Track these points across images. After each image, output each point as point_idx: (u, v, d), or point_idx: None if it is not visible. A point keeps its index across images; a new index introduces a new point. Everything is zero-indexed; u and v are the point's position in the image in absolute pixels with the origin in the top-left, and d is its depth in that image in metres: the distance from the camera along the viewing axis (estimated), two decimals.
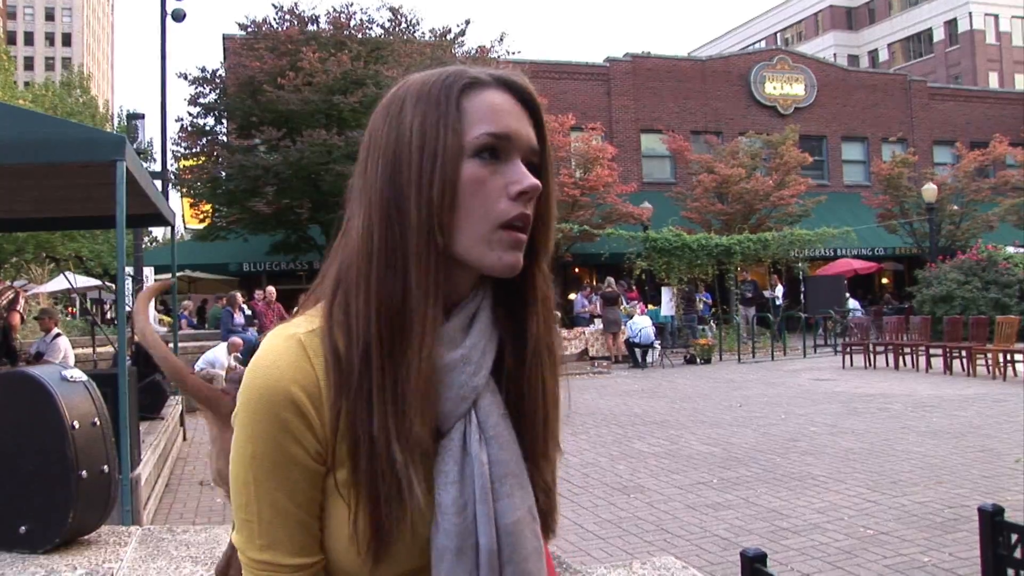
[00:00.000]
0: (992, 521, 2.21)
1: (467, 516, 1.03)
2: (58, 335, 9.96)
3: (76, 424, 3.38)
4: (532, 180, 1.03)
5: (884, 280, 33.91)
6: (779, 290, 24.95)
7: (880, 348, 17.72)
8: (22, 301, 9.01)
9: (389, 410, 1.00)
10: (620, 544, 5.95)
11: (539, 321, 1.11)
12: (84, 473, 3.28)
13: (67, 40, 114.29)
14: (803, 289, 25.18)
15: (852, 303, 24.90)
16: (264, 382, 1.01)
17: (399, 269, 1.02)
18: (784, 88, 33.59)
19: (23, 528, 3.31)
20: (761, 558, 1.83)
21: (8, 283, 9.05)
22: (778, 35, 69.40)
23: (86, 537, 3.55)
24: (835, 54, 59.87)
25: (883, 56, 63.21)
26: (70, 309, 24.51)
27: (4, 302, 8.80)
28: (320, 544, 1.05)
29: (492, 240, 1.03)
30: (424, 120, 1.03)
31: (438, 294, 1.02)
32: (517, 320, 1.12)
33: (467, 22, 24.15)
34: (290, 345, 1.03)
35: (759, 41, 67.62)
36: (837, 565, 5.26)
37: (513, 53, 25.32)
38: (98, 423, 3.52)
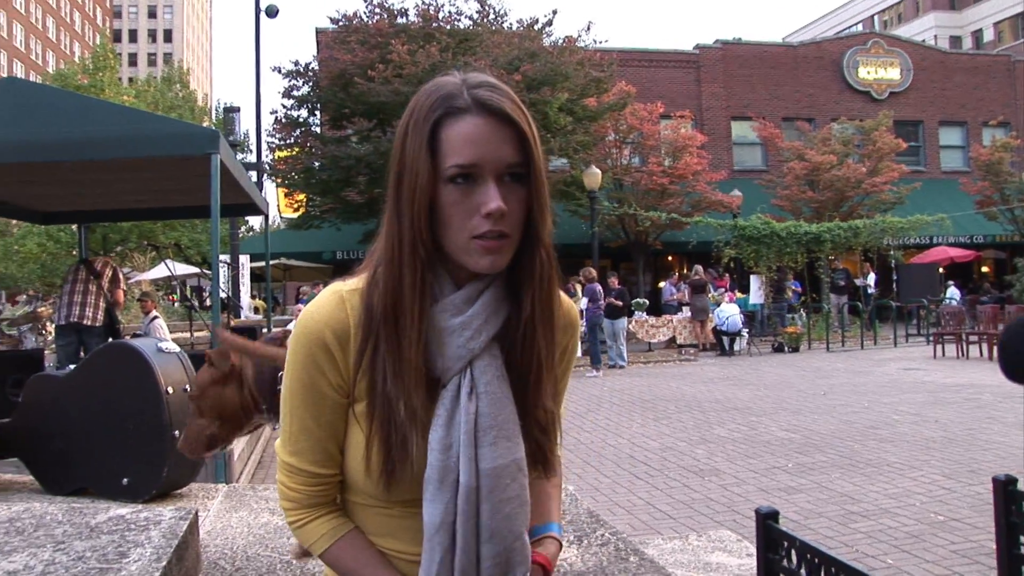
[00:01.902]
0: (1006, 491, 2.33)
1: (451, 456, 1.28)
2: (155, 317, 10.48)
3: (170, 389, 3.78)
4: (496, 203, 1.22)
5: (984, 269, 32.93)
6: (871, 278, 24.47)
7: (973, 338, 17.34)
8: (122, 281, 9.52)
9: (393, 374, 1.27)
10: (689, 524, 6.06)
11: (533, 298, 1.32)
12: (177, 433, 3.63)
13: (168, 36, 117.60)
14: (896, 277, 24.69)
15: (952, 292, 24.28)
16: (305, 324, 1.31)
17: (396, 269, 1.27)
18: (879, 72, 32.85)
19: (125, 480, 3.76)
20: (773, 515, 1.99)
21: (106, 262, 9.53)
22: (875, 17, 67.69)
23: (179, 491, 3.95)
24: (936, 35, 58.21)
25: (988, 36, 60.97)
26: (170, 296, 25.42)
27: (106, 281, 9.28)
28: (336, 462, 1.35)
29: (469, 249, 1.25)
30: (414, 148, 1.26)
31: (424, 293, 1.28)
32: (517, 299, 1.33)
33: (554, 12, 24.17)
34: (332, 298, 1.33)
35: (855, 24, 65.94)
36: (903, 548, 5.30)
37: (600, 42, 25.32)
38: (189, 389, 3.89)
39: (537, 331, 1.33)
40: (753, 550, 4.02)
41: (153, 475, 3.69)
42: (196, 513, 2.57)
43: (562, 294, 1.41)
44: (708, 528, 5.86)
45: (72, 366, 4.54)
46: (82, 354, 9.27)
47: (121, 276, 9.45)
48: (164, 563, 2.16)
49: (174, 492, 3.90)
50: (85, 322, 8.98)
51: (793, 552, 1.90)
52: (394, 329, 1.27)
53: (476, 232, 1.24)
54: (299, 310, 14.69)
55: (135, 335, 10.60)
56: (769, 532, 2.04)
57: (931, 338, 18.91)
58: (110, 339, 9.29)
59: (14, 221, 29.34)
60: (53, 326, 10.27)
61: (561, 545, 1.51)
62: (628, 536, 4.04)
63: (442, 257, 1.29)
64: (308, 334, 1.30)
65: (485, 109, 1.25)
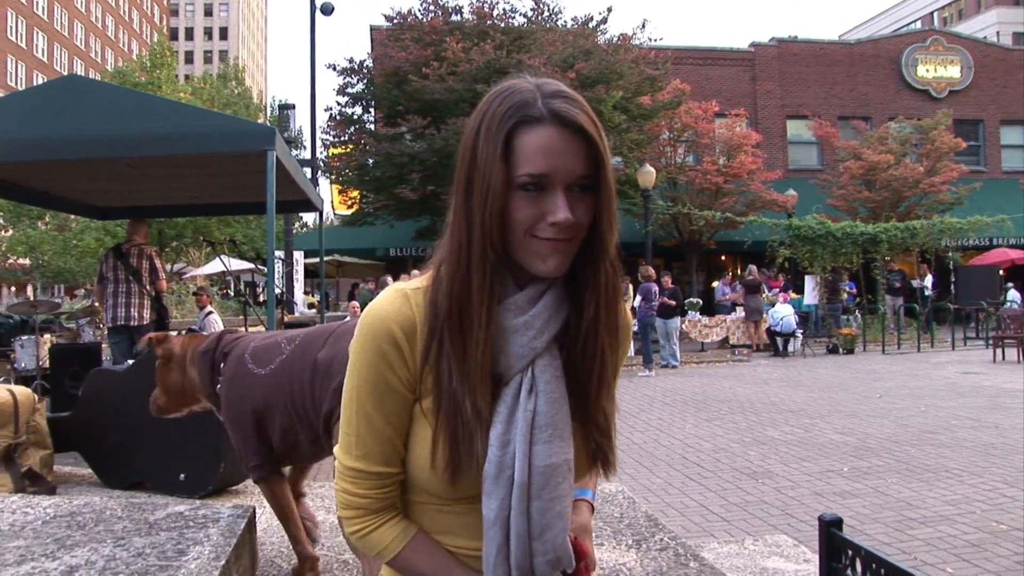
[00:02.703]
0: None
1: (508, 452, 1.30)
2: (210, 312, 10.58)
3: None
4: (564, 214, 1.24)
5: None
6: (928, 280, 24.05)
7: None
8: (159, 264, 9.54)
9: (460, 374, 1.29)
10: (744, 527, 5.98)
11: (597, 305, 1.34)
12: None
13: (224, 34, 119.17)
14: (954, 279, 24.23)
15: (1013, 294, 23.79)
16: (372, 320, 1.33)
17: (464, 270, 1.29)
18: (938, 70, 32.25)
19: (182, 476, 3.79)
20: (837, 523, 1.94)
21: (140, 250, 9.48)
22: (935, 14, 66.49)
23: (234, 488, 3.97)
24: (998, 32, 56.99)
25: None
26: (225, 291, 25.73)
27: (146, 273, 9.32)
28: (402, 460, 1.36)
29: (535, 251, 1.28)
30: (487, 154, 1.27)
31: (492, 294, 1.29)
32: (577, 303, 1.35)
33: (609, 10, 24.07)
34: (397, 296, 1.35)
35: (914, 21, 64.86)
36: (963, 557, 5.18)
37: (655, 40, 25.13)
38: None
39: (601, 337, 1.36)
40: (811, 555, 3.96)
41: (209, 471, 3.72)
42: (254, 510, 2.58)
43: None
44: (763, 532, 5.80)
45: (130, 361, 4.58)
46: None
47: (159, 263, 9.50)
48: (223, 562, 2.17)
49: (230, 488, 3.93)
50: (132, 323, 9.10)
51: (858, 561, 1.86)
52: (459, 328, 1.29)
53: (540, 234, 1.27)
54: (354, 307, 14.81)
55: (190, 330, 10.73)
56: (832, 540, 2.00)
57: (990, 342, 18.54)
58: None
59: (73, 216, 29.89)
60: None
61: (593, 509, 1.61)
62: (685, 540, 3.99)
63: (506, 259, 1.30)
64: (375, 329, 1.32)
65: (560, 121, 1.27)
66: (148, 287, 9.25)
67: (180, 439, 3.80)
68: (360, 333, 1.34)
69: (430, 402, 1.32)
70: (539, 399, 1.31)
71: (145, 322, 9.19)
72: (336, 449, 1.39)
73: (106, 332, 9.64)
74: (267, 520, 3.49)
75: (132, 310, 9.13)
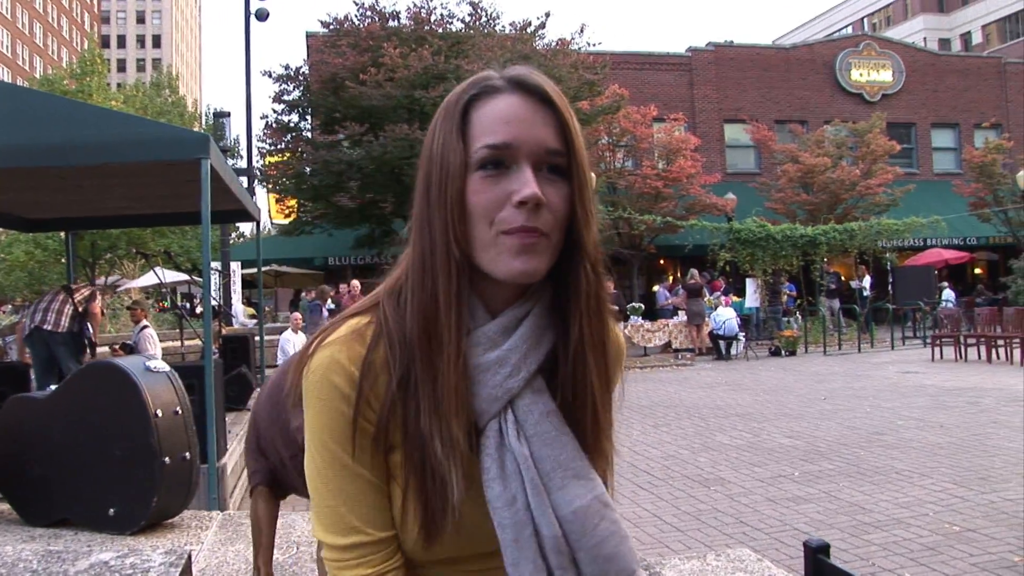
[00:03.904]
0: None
1: (518, 509, 1.07)
2: (145, 326, 10.26)
3: (159, 412, 3.52)
4: (531, 190, 1.02)
5: (977, 270, 32.89)
6: (866, 281, 24.40)
7: (971, 340, 17.21)
8: (99, 298, 9.33)
9: (430, 406, 1.06)
10: (699, 537, 5.90)
11: (581, 322, 1.12)
12: (167, 460, 3.41)
13: (157, 42, 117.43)
14: (891, 280, 24.60)
15: (948, 294, 24.22)
16: (320, 364, 1.08)
17: (429, 279, 1.07)
18: (871, 75, 32.82)
19: (112, 511, 3.50)
20: (824, 549, 1.81)
21: (87, 283, 9.39)
22: (864, 20, 67.74)
23: (170, 520, 3.71)
24: (925, 38, 58.28)
25: (976, 38, 61.11)
26: (161, 304, 25.19)
27: (79, 295, 9.09)
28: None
29: (498, 247, 1.05)
30: (444, 134, 1.07)
31: (461, 303, 1.07)
32: (566, 322, 1.13)
33: (547, 15, 24.02)
34: (345, 331, 1.10)
35: (845, 27, 66.07)
36: (921, 562, 5.13)
37: (594, 45, 25.19)
38: (180, 412, 3.65)
39: (588, 362, 1.12)
40: (775, 570, 3.85)
41: (142, 505, 3.44)
42: (189, 557, 2.36)
43: (615, 328, 1.21)
44: (719, 542, 5.71)
45: (52, 387, 4.27)
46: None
47: (99, 297, 9.26)
48: None
49: (165, 522, 3.65)
50: (46, 327, 8.75)
51: None
52: (427, 348, 1.06)
53: (505, 227, 1.03)
54: (296, 318, 14.47)
55: (124, 344, 10.39)
56: (821, 569, 1.86)
57: (928, 341, 18.81)
58: (79, 349, 9.09)
59: (1, 229, 29.06)
60: None
61: None
62: (644, 558, 3.86)
63: (474, 278, 1.08)
64: (326, 370, 1.08)
65: (522, 87, 1.08)
66: (76, 303, 8.95)
67: (109, 471, 3.51)
68: (311, 382, 1.09)
69: (398, 455, 1.10)
70: (532, 443, 1.09)
71: (60, 329, 8.86)
72: (318, 532, 1.13)
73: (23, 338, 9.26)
74: (205, 559, 3.26)
75: (49, 315, 8.81)
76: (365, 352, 1.08)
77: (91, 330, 9.26)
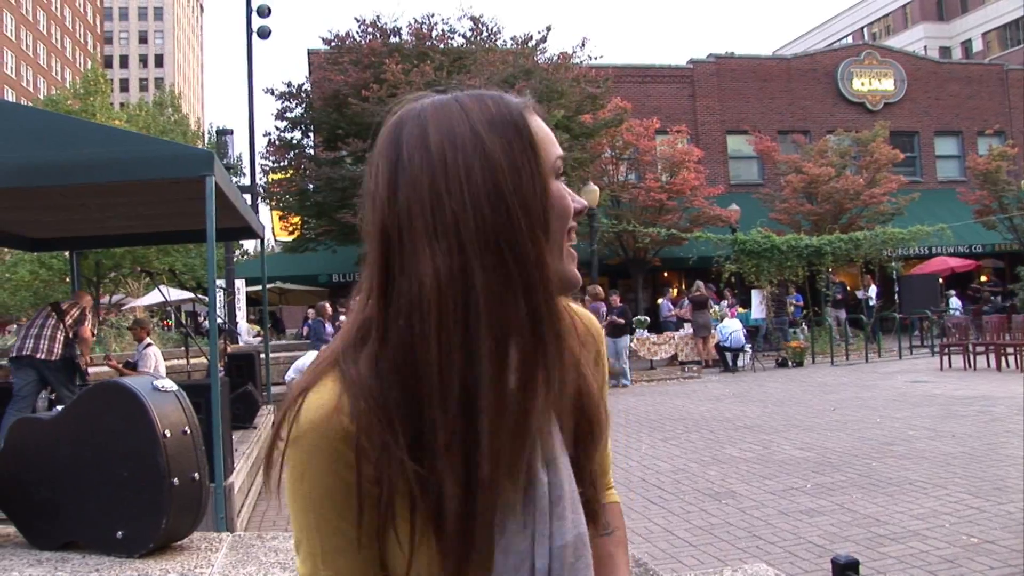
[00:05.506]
0: None
1: (526, 537, 0.97)
2: (148, 344, 10.19)
3: (167, 433, 3.45)
4: (583, 199, 1.03)
5: (983, 278, 32.77)
6: (872, 290, 24.30)
7: (980, 349, 17.11)
8: (88, 320, 9.23)
9: (464, 470, 0.92)
10: (712, 551, 5.83)
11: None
12: (176, 480, 3.34)
13: (159, 61, 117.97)
14: (897, 289, 24.52)
15: (955, 302, 24.12)
16: (310, 422, 0.94)
17: (512, 305, 0.93)
18: (873, 84, 32.79)
19: (120, 533, 3.41)
20: (853, 565, 1.76)
21: (75, 302, 9.25)
22: (864, 30, 67.80)
23: (179, 543, 3.63)
24: (925, 46, 58.19)
25: (977, 46, 61.10)
26: (166, 322, 25.16)
27: (70, 319, 8.98)
28: None
29: (567, 254, 1.02)
30: (511, 146, 0.96)
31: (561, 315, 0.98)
32: None
33: (548, 29, 24.07)
34: (333, 393, 0.96)
35: (846, 36, 66.06)
36: (939, 574, 5.06)
37: (595, 58, 25.18)
38: (188, 432, 3.59)
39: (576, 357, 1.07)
40: None
41: (150, 527, 3.37)
42: None
43: (576, 307, 1.15)
44: (731, 556, 5.66)
45: (58, 408, 4.21)
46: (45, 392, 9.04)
47: (89, 315, 9.16)
48: None
49: (174, 544, 3.58)
50: (39, 356, 8.63)
51: None
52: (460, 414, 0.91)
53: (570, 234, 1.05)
54: (306, 332, 14.40)
55: (127, 363, 10.34)
56: None
57: (936, 350, 18.71)
58: (72, 374, 9.01)
59: (5, 248, 29.07)
60: None
61: None
62: (654, 566, 3.81)
63: None
64: (317, 429, 0.93)
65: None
66: (67, 328, 8.87)
67: (117, 493, 3.45)
68: (299, 443, 0.94)
69: (407, 527, 0.94)
70: (550, 469, 1.00)
71: (54, 357, 8.75)
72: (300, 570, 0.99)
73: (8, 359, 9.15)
74: None
75: (41, 342, 8.69)
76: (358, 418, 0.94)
77: (81, 354, 9.11)
